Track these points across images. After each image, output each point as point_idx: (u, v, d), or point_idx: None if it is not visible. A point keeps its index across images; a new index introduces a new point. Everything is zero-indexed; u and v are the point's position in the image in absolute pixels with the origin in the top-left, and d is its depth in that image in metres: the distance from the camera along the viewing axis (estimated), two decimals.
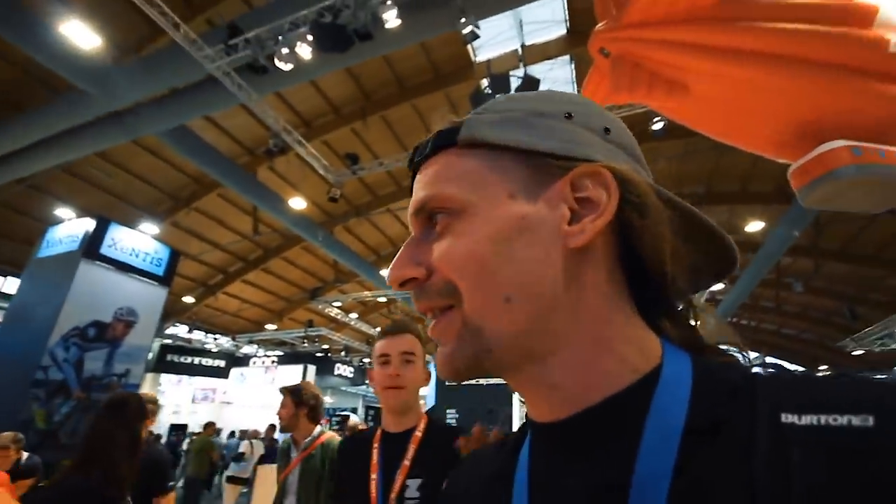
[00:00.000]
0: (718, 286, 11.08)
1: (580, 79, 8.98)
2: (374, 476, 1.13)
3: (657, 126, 7.26)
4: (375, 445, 1.21)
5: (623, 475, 0.29)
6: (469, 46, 7.64)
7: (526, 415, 0.39)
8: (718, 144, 2.57)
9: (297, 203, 10.02)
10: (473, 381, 0.73)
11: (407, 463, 1.13)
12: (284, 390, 2.32)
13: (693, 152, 8.77)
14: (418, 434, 1.19)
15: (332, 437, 2.26)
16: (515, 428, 0.75)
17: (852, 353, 15.96)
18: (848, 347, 13.90)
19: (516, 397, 10.29)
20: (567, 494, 0.32)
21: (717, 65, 1.66)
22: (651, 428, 0.30)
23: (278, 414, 2.28)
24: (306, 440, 2.21)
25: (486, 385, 8.78)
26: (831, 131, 1.90)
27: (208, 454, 6.56)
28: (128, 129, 6.22)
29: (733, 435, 0.27)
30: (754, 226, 10.91)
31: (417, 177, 0.40)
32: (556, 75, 8.92)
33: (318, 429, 2.28)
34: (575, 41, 8.08)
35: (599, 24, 2.03)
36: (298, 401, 2.25)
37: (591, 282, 0.34)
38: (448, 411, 9.48)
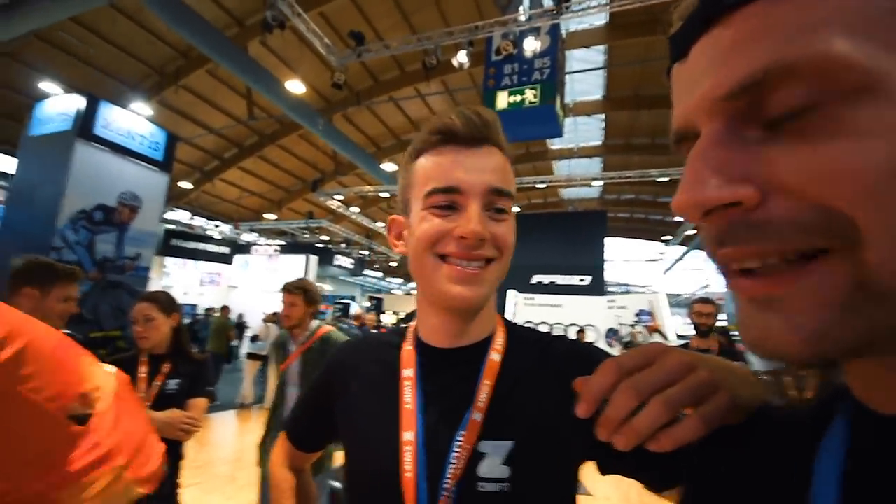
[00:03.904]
0: None
1: None
2: (407, 437, 0.54)
3: None
4: (408, 372, 0.59)
5: None
6: None
7: (850, 394, 0.27)
8: None
9: (296, 86, 9.28)
10: None
11: (479, 410, 0.54)
12: (293, 289, 2.18)
13: None
14: (496, 354, 0.58)
15: (331, 329, 2.26)
16: None
17: None
18: None
19: None
20: None
21: None
22: None
23: (287, 313, 2.17)
24: (306, 334, 2.22)
25: None
26: None
27: (226, 333, 7.33)
28: None
29: None
30: None
31: (719, 29, 0.23)
32: None
33: (315, 322, 2.27)
34: None
35: None
36: (310, 301, 2.22)
37: None
38: None
